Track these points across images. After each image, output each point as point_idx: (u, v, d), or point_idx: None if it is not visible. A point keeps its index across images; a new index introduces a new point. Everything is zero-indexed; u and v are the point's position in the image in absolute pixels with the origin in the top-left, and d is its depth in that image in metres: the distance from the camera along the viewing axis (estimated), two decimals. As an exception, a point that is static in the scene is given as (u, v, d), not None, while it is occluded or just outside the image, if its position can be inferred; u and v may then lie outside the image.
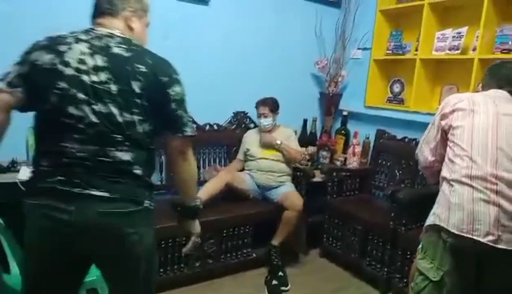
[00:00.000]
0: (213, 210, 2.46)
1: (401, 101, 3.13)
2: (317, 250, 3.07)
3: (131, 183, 1.26)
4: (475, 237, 1.38)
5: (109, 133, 1.22)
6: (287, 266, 2.74)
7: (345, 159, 3.21)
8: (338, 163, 3.24)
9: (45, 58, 1.23)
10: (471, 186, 1.41)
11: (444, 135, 1.58)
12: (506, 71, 1.62)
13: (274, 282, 2.56)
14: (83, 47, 1.24)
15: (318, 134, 3.44)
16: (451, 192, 1.46)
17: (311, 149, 3.26)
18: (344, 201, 2.95)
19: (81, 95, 1.21)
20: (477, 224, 1.38)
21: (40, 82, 1.23)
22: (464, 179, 1.43)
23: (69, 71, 1.21)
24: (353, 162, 3.14)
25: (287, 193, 2.74)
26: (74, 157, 1.20)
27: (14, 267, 1.55)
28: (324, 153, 3.31)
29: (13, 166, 2.09)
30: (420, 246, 1.65)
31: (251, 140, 2.96)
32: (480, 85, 1.71)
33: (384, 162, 3.09)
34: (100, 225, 1.21)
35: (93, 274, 1.69)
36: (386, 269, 2.53)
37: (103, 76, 1.22)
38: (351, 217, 2.77)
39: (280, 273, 2.64)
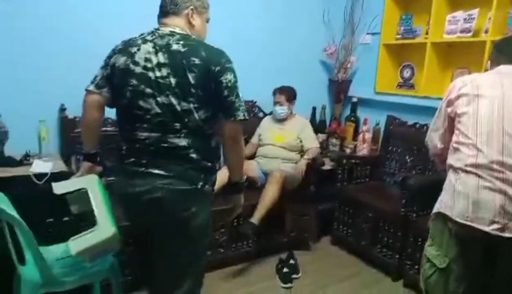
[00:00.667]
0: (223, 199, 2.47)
1: (412, 86, 3.08)
2: (328, 238, 3.07)
3: (187, 166, 1.44)
4: (479, 226, 1.36)
5: (169, 122, 1.42)
6: (298, 253, 2.75)
7: (355, 146, 3.19)
8: (348, 150, 3.22)
9: (121, 60, 1.46)
10: (476, 174, 1.38)
11: (451, 122, 1.55)
12: None
13: (285, 269, 2.56)
14: (149, 47, 1.44)
15: (328, 122, 3.41)
16: (457, 180, 1.44)
17: (321, 136, 3.24)
18: (354, 189, 2.94)
19: (148, 90, 1.41)
20: (482, 213, 1.36)
21: (118, 81, 1.47)
22: (469, 168, 1.40)
23: (138, 70, 1.43)
24: (363, 149, 3.12)
25: (275, 170, 2.72)
26: (143, 143, 1.44)
27: (29, 258, 1.59)
28: (334, 140, 3.29)
29: (26, 159, 2.12)
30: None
31: (264, 125, 2.99)
32: (489, 61, 1.63)
33: (394, 149, 3.06)
34: (157, 199, 1.41)
35: (106, 264, 1.73)
36: (397, 256, 2.52)
37: (164, 71, 1.40)
38: (361, 205, 2.77)
39: (291, 261, 2.65)
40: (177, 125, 1.42)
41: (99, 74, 1.52)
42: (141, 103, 1.42)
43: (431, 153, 1.79)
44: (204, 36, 1.61)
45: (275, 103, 2.89)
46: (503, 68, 1.52)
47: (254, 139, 3.00)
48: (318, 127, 3.28)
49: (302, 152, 2.88)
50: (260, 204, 2.54)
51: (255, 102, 3.14)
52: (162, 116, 1.41)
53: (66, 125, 2.44)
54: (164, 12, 1.52)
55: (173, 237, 1.49)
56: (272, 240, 2.78)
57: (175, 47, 1.42)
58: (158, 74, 1.41)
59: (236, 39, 2.97)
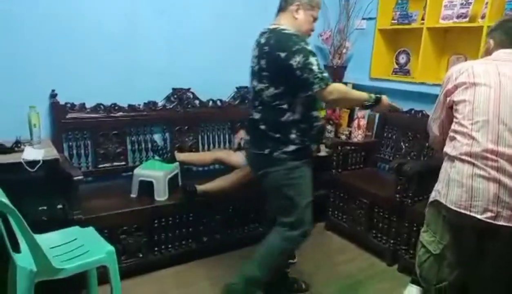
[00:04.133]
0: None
1: (407, 72, 3.07)
2: (322, 224, 3.08)
3: (259, 135, 1.84)
4: (472, 214, 1.37)
5: (253, 100, 1.89)
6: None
7: (350, 132, 3.18)
8: (343, 137, 3.21)
9: (251, 59, 1.91)
10: (471, 163, 1.39)
11: (450, 111, 1.54)
12: None
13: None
14: (254, 45, 1.88)
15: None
16: (452, 168, 1.45)
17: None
18: (349, 175, 2.95)
19: (251, 77, 1.90)
20: (476, 201, 1.37)
21: None
22: (464, 156, 1.41)
23: (250, 64, 1.92)
24: (358, 136, 3.12)
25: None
26: (249, 117, 1.93)
27: (24, 247, 1.56)
28: (329, 127, 3.28)
29: (17, 146, 2.07)
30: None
31: None
32: (492, 41, 1.58)
33: (389, 135, 3.07)
34: (249, 157, 2.03)
35: (103, 252, 1.72)
36: (392, 241, 2.55)
37: (255, 61, 1.85)
38: (356, 191, 2.77)
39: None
40: (256, 102, 1.85)
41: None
42: (249, 88, 1.97)
43: (430, 142, 1.79)
44: (304, 30, 1.85)
45: None
46: (499, 53, 1.51)
47: None
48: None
49: None
50: (212, 182, 2.44)
51: (247, 87, 3.10)
52: (252, 96, 1.91)
53: (58, 111, 2.39)
54: (278, 9, 1.89)
55: (264, 186, 1.91)
56: (268, 226, 2.78)
57: (262, 41, 1.81)
58: (253, 64, 1.88)
59: (228, 24, 2.93)
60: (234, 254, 2.63)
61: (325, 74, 1.72)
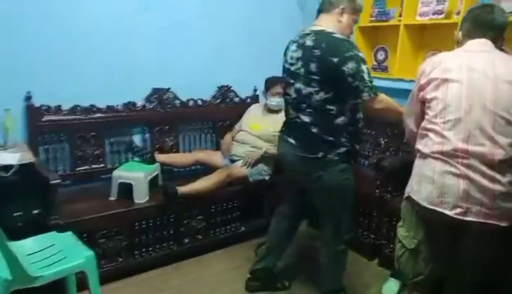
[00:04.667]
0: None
1: (385, 69, 3.10)
2: (305, 221, 3.10)
3: (309, 138, 1.81)
4: (442, 210, 1.39)
5: (299, 103, 1.84)
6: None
7: (331, 129, 3.19)
8: (324, 133, 3.22)
9: (283, 60, 1.95)
10: (442, 160, 1.40)
11: (423, 107, 1.55)
12: (487, 16, 1.50)
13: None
14: (293, 47, 1.86)
15: (304, 105, 3.41)
16: (424, 165, 1.46)
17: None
18: (330, 171, 2.96)
19: (291, 80, 1.86)
20: (446, 197, 1.39)
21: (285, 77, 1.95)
22: (435, 155, 1.42)
23: (287, 66, 1.90)
24: (339, 132, 3.13)
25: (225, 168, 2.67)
26: (289, 119, 1.95)
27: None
28: (310, 124, 3.29)
29: (-10, 151, 2.02)
30: None
31: (249, 113, 2.96)
32: (460, 33, 1.58)
33: (368, 131, 3.09)
34: (293, 160, 1.90)
35: (82, 257, 1.69)
36: (372, 236, 2.58)
37: (299, 64, 1.80)
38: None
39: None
40: (304, 105, 1.81)
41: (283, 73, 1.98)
42: (288, 90, 1.90)
43: (407, 138, 1.79)
44: (346, 33, 1.84)
45: (275, 94, 2.78)
46: (472, 44, 1.49)
47: (237, 125, 2.97)
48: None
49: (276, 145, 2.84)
50: (194, 184, 2.43)
51: (231, 87, 3.09)
52: (296, 99, 1.85)
53: (33, 114, 2.33)
54: (319, 10, 1.86)
55: (311, 191, 1.94)
56: (250, 225, 2.79)
57: (307, 43, 1.76)
58: (295, 67, 1.82)
59: (209, 24, 2.92)
60: (217, 254, 2.63)
61: (374, 83, 1.73)
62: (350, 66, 1.66)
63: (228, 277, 2.39)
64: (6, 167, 1.90)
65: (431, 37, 2.85)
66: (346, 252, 2.03)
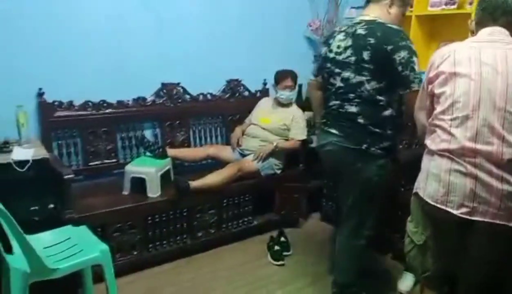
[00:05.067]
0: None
1: (397, 61, 3.07)
2: (317, 214, 3.10)
3: (354, 128, 1.78)
4: (448, 209, 1.36)
5: (346, 92, 1.79)
6: (288, 231, 2.78)
7: (342, 122, 3.17)
8: (334, 127, 3.21)
9: (323, 50, 1.92)
10: (449, 157, 1.37)
11: (432, 99, 1.49)
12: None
13: (276, 247, 2.59)
14: (340, 36, 1.83)
15: (314, 99, 3.39)
16: (431, 162, 1.43)
17: (308, 114, 3.21)
18: (342, 165, 2.95)
19: (336, 70, 1.82)
20: (452, 196, 1.36)
21: (321, 67, 1.95)
22: (442, 152, 1.39)
23: (331, 55, 1.85)
24: (350, 126, 3.11)
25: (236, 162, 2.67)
26: (331, 109, 1.88)
27: (16, 248, 1.54)
28: (320, 117, 3.27)
29: (5, 147, 2.04)
30: None
31: (260, 106, 2.96)
32: (473, 22, 1.51)
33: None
34: (334, 151, 1.85)
35: (97, 250, 1.70)
36: (386, 230, 2.56)
37: (348, 52, 1.77)
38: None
39: (282, 239, 2.67)
40: (352, 95, 1.77)
41: (315, 65, 2.07)
42: (331, 80, 1.86)
43: (420, 133, 1.69)
44: (396, 24, 1.80)
45: (285, 87, 2.79)
46: (482, 34, 1.43)
47: (248, 118, 2.97)
48: (304, 105, 3.25)
49: (286, 139, 2.83)
50: (205, 178, 2.44)
51: (241, 80, 3.08)
52: (342, 88, 1.81)
53: (45, 110, 2.35)
54: (367, 1, 1.86)
55: (345, 183, 1.92)
56: (263, 218, 2.79)
57: (359, 31, 1.74)
58: (344, 55, 1.78)
59: (216, 18, 2.90)
60: (229, 248, 2.63)
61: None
62: (402, 55, 1.65)
63: (241, 271, 2.40)
64: (22, 163, 1.92)
65: (443, 28, 2.82)
66: (365, 248, 1.99)
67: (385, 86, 1.72)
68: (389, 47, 1.66)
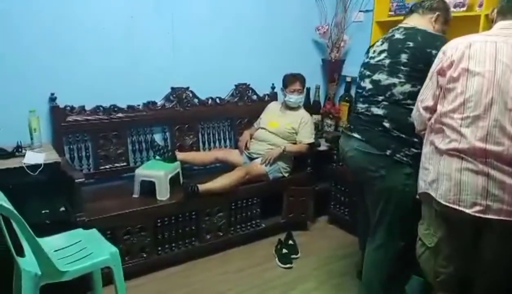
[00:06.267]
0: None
1: (406, 64, 3.05)
2: (325, 217, 3.10)
3: (378, 132, 1.72)
4: (461, 208, 1.34)
5: (374, 95, 1.77)
6: (296, 234, 2.78)
7: (350, 125, 3.17)
8: (343, 130, 3.21)
9: (372, 54, 1.85)
10: (459, 157, 1.34)
11: (441, 92, 1.43)
12: None
13: (284, 250, 2.60)
14: (379, 42, 1.85)
15: (322, 102, 3.39)
16: (440, 161, 1.40)
17: (316, 117, 3.22)
18: (350, 168, 2.94)
19: (367, 73, 1.83)
20: (464, 195, 1.33)
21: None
22: (452, 151, 1.36)
23: (366, 60, 1.88)
24: (358, 129, 3.10)
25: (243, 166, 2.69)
26: (357, 113, 1.86)
27: (28, 250, 1.57)
28: (329, 121, 3.28)
29: (18, 151, 2.08)
30: None
31: (268, 110, 2.97)
32: (495, 12, 1.46)
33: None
34: (355, 156, 1.80)
35: (107, 253, 1.73)
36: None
37: (382, 55, 1.77)
38: (358, 184, 2.76)
39: (290, 242, 2.68)
40: (380, 97, 1.74)
41: None
42: (361, 83, 1.85)
43: (418, 130, 1.61)
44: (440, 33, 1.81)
45: (293, 91, 2.80)
46: (501, 26, 1.39)
47: (256, 122, 2.99)
48: (312, 108, 3.25)
49: (294, 142, 2.83)
50: (214, 181, 2.46)
51: (249, 84, 3.10)
52: (371, 90, 1.78)
53: (57, 114, 2.39)
54: (411, 10, 1.86)
55: (371, 191, 1.82)
56: (271, 221, 2.80)
57: (396, 36, 1.76)
58: (377, 59, 1.79)
59: (224, 22, 2.92)
60: (238, 250, 2.65)
61: None
62: None
63: (249, 274, 2.41)
64: (34, 167, 1.96)
65: (452, 30, 2.77)
66: (394, 262, 1.82)
67: (419, 91, 1.59)
68: (434, 51, 1.59)
